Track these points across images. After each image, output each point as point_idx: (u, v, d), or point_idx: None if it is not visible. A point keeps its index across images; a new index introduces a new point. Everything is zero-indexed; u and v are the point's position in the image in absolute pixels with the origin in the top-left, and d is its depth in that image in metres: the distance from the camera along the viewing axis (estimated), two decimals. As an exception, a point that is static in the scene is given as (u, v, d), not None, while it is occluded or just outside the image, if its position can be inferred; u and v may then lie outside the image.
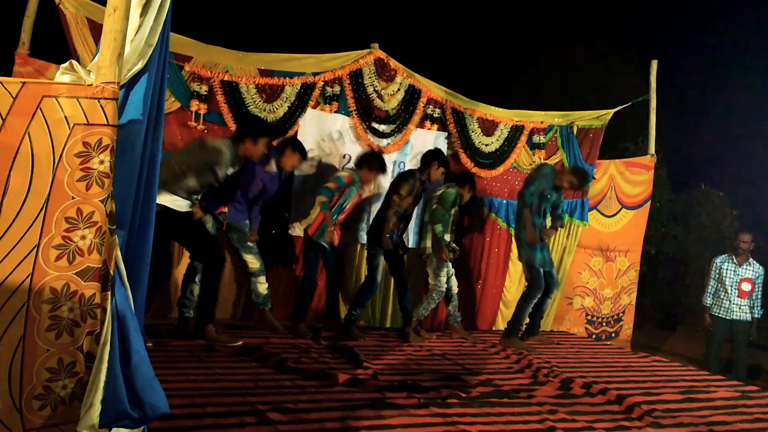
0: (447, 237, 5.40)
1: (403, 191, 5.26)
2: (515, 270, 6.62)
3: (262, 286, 4.99)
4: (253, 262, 4.94)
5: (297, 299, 5.21)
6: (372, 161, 5.26)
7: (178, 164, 4.11)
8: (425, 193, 5.61)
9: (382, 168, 5.32)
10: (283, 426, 2.91)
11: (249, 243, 4.91)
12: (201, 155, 4.20)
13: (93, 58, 2.20)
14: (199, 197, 4.39)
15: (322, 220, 5.05)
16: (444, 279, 5.46)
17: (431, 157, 5.47)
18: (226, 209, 4.79)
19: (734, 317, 6.35)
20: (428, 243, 5.46)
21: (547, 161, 6.37)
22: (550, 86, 13.87)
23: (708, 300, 6.57)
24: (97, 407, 2.05)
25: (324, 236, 5.07)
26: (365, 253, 5.64)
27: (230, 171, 4.36)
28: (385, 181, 5.69)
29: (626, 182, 7.09)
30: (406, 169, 5.89)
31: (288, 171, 5.13)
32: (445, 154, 6.17)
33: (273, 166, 4.97)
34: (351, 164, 5.66)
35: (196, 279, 4.62)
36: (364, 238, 5.83)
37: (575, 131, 6.77)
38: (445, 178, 5.82)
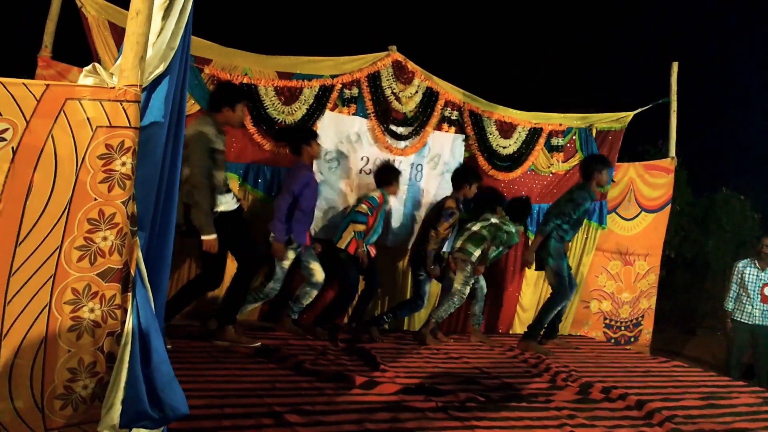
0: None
1: (441, 228, 5.37)
2: (531, 273, 6.57)
3: (310, 299, 5.10)
4: (319, 273, 5.05)
5: (330, 307, 5.26)
6: (392, 173, 5.40)
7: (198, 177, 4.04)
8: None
9: (399, 174, 5.48)
10: (301, 428, 2.92)
11: (314, 252, 5.10)
12: (192, 152, 3.99)
13: (115, 61, 2.23)
14: None
15: (356, 245, 5.15)
16: (469, 288, 5.46)
17: (463, 178, 5.56)
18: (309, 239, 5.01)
19: (757, 322, 6.25)
20: (477, 252, 5.43)
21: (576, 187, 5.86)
22: (568, 88, 13.78)
23: (729, 305, 6.48)
24: (117, 407, 2.07)
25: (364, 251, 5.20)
26: (398, 258, 5.96)
27: (220, 145, 4.25)
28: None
29: (646, 185, 7.01)
30: (427, 181, 6.02)
31: (319, 158, 5.27)
32: (463, 156, 6.19)
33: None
34: (370, 172, 5.71)
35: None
36: (398, 242, 6.00)
37: (594, 133, 6.71)
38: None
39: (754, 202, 11.30)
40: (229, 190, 4.35)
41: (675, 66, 6.85)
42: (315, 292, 5.07)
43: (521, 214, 5.84)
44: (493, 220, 5.59)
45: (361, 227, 5.12)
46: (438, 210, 5.52)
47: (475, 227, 5.56)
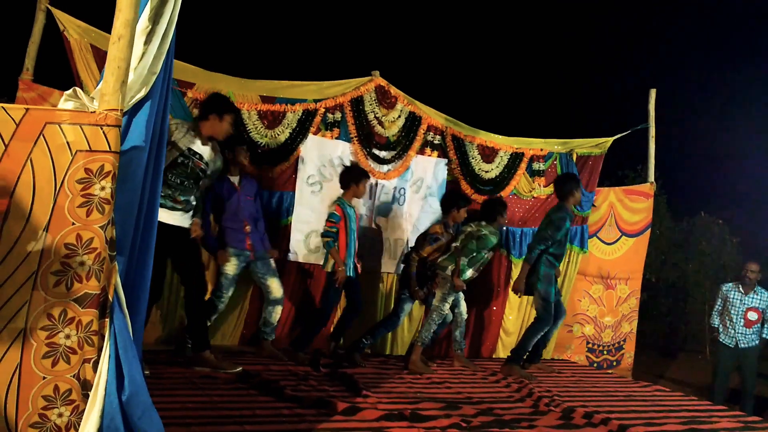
0: (469, 273, 5.42)
1: (423, 251, 5.40)
2: (515, 298, 6.58)
3: (277, 315, 5.02)
4: (277, 289, 4.98)
5: (305, 329, 5.20)
6: (352, 175, 5.22)
7: None
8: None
9: (364, 174, 5.28)
10: (281, 456, 2.87)
11: (273, 266, 4.98)
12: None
13: (96, 85, 2.22)
14: (184, 205, 4.20)
15: (335, 258, 5.05)
16: (448, 305, 5.43)
17: (452, 202, 5.54)
18: (250, 242, 4.84)
19: (741, 346, 6.29)
20: (450, 267, 5.36)
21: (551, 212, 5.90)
22: (549, 113, 14.00)
23: (715, 321, 6.52)
24: (93, 436, 2.02)
25: (351, 269, 5.12)
26: (380, 282, 5.91)
27: (200, 154, 4.20)
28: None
29: (626, 210, 7.09)
30: (409, 205, 6.00)
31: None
32: (445, 180, 6.22)
33: (238, 180, 4.93)
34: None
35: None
36: (381, 266, 5.96)
37: (575, 158, 6.79)
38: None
39: (732, 226, 11.46)
40: (186, 210, 4.18)
41: (653, 93, 6.98)
42: (279, 308, 5.00)
43: (492, 213, 5.60)
44: (469, 229, 5.51)
45: (329, 239, 5.01)
46: (425, 235, 5.54)
47: (454, 244, 5.55)
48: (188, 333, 4.48)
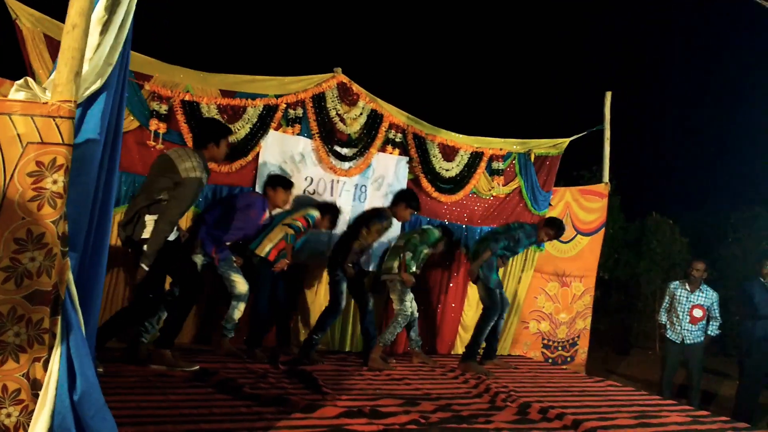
0: (414, 267, 5.47)
1: (374, 228, 5.32)
2: (473, 294, 6.65)
3: (239, 313, 4.95)
4: (242, 284, 4.92)
5: (251, 324, 5.13)
6: (334, 215, 5.47)
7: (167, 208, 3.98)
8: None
9: (334, 225, 5.55)
10: (238, 454, 2.84)
11: (234, 264, 4.96)
12: (184, 192, 4.00)
13: (50, 75, 2.16)
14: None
15: (283, 247, 5.06)
16: (409, 303, 5.46)
17: (401, 197, 5.53)
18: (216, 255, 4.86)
19: (687, 342, 6.48)
20: (395, 264, 5.44)
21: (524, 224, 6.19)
22: (508, 113, 14.19)
23: (663, 318, 6.71)
24: (43, 437, 1.97)
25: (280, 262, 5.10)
26: (325, 276, 5.69)
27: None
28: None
29: (581, 209, 7.24)
30: (370, 202, 6.01)
31: (283, 207, 5.24)
32: (406, 178, 6.25)
33: (268, 215, 5.10)
34: (314, 192, 5.71)
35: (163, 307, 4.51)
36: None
37: (532, 158, 6.90)
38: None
39: (682, 226, 11.82)
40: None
41: (608, 95, 7.15)
42: (242, 305, 4.94)
43: (448, 233, 5.85)
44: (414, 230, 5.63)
45: (292, 232, 5.07)
46: (373, 212, 5.47)
47: (393, 243, 5.62)
48: (163, 327, 4.39)
